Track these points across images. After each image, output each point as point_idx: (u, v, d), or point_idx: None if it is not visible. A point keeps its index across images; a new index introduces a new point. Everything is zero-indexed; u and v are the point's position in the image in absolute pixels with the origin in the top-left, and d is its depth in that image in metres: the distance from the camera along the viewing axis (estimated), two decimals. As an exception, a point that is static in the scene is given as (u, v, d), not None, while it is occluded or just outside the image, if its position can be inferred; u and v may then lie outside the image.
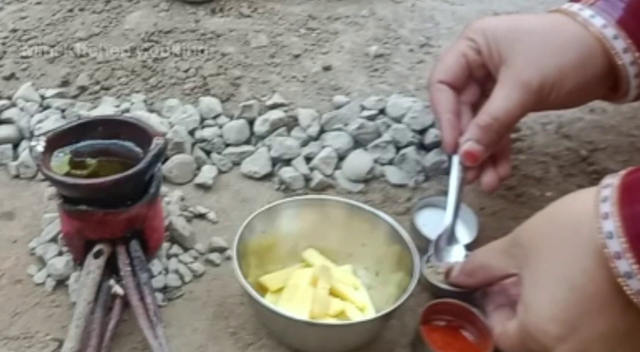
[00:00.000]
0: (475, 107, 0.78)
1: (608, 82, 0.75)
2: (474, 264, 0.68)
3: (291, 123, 0.93)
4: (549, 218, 0.59)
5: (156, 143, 0.70)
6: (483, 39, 0.74)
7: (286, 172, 0.89)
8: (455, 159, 0.78)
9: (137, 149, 0.73)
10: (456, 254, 0.76)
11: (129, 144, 0.74)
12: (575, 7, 0.74)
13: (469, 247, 0.78)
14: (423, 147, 0.93)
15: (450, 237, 0.77)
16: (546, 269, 0.56)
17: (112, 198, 0.69)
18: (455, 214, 0.78)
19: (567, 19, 0.74)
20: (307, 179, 0.89)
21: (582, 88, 0.73)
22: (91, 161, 0.73)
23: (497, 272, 0.64)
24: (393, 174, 0.90)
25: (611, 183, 0.55)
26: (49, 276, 0.76)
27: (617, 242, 0.51)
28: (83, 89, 0.98)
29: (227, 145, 0.92)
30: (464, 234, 0.81)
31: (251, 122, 0.94)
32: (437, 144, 0.92)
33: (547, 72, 0.70)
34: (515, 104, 0.71)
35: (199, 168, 0.91)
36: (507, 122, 0.72)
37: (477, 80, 0.79)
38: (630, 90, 0.74)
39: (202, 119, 0.93)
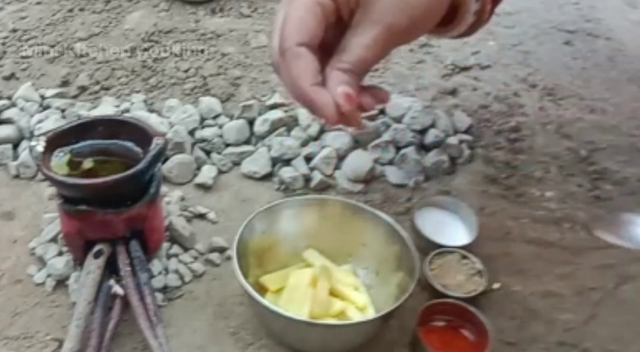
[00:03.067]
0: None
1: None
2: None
3: (291, 123, 0.93)
4: None
5: (156, 143, 0.70)
6: None
7: (286, 172, 0.89)
8: None
9: (137, 149, 0.73)
10: None
11: (129, 144, 0.74)
12: None
13: (469, 247, 0.79)
14: (423, 147, 0.93)
15: None
16: None
17: (112, 198, 0.69)
18: None
19: None
20: (307, 179, 0.89)
21: (429, 20, 0.66)
22: (91, 161, 0.73)
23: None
24: (393, 174, 0.90)
25: None
26: (49, 276, 0.76)
27: None
28: (83, 89, 0.98)
29: (227, 145, 0.92)
30: (464, 235, 0.81)
31: (251, 122, 0.94)
32: (437, 144, 0.92)
33: (411, 12, 0.63)
34: (378, 50, 0.64)
35: (199, 168, 0.91)
36: (369, 66, 0.66)
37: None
38: (461, 23, 0.72)
39: (202, 119, 0.93)
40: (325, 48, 0.64)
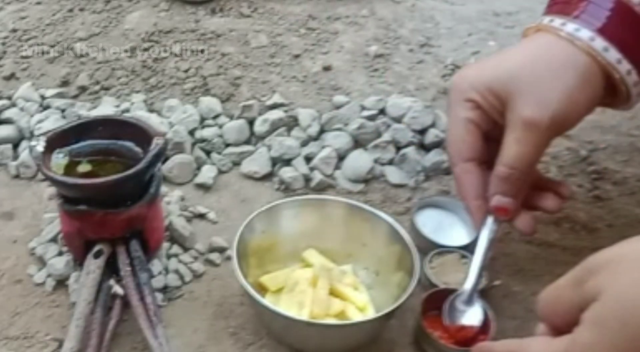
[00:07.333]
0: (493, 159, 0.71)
1: (606, 91, 0.70)
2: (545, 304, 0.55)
3: (291, 123, 0.93)
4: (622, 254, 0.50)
5: (156, 143, 0.70)
6: (477, 94, 0.68)
7: (286, 172, 0.89)
8: (489, 219, 0.71)
9: (137, 149, 0.73)
10: (472, 317, 0.69)
11: (129, 144, 0.74)
12: (557, 22, 0.68)
13: (469, 247, 0.78)
14: (423, 147, 0.93)
15: (469, 298, 0.70)
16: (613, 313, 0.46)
17: (112, 198, 0.69)
18: (479, 276, 0.70)
19: (551, 38, 0.68)
20: (307, 179, 0.89)
21: (591, 106, 0.68)
22: (90, 161, 0.73)
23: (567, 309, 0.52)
24: (393, 174, 0.90)
25: None
26: (49, 276, 0.76)
27: None
28: (83, 89, 0.98)
29: (227, 145, 0.92)
30: (464, 235, 0.81)
31: (251, 122, 0.94)
32: (437, 144, 0.92)
33: (556, 106, 0.64)
34: (529, 147, 0.66)
35: (199, 168, 0.91)
36: (526, 167, 0.67)
37: (489, 135, 0.71)
38: (632, 98, 0.70)
39: (202, 119, 0.93)
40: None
